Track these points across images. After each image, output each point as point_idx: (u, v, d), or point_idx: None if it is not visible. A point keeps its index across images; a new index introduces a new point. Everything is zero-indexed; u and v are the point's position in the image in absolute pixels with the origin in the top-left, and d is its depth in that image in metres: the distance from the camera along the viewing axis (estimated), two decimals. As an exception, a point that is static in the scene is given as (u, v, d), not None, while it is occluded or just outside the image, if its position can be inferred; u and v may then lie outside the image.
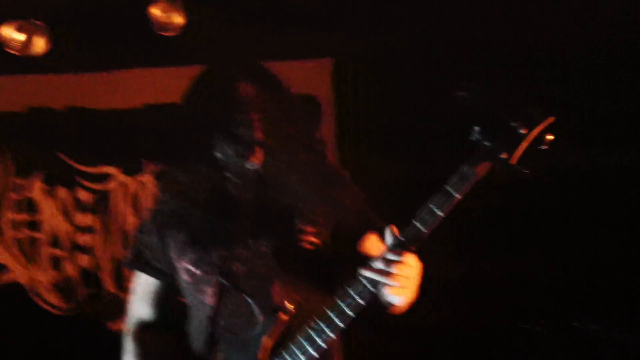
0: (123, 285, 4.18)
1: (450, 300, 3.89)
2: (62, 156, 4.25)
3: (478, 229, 3.89)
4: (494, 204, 3.76)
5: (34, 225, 4.23)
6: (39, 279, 4.18)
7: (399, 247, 1.64)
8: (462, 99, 1.58)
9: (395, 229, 1.67)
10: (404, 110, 4.17)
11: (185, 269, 1.91)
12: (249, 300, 1.78)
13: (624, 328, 3.79)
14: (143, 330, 1.98)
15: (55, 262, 4.21)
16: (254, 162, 1.80)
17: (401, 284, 1.64)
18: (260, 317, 1.76)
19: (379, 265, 1.65)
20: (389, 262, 1.63)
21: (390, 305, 1.75)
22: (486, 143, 1.57)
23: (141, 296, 2.01)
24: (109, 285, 4.19)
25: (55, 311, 4.14)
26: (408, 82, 4.12)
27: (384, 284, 1.65)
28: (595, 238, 4.02)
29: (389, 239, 1.66)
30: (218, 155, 1.84)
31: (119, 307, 4.15)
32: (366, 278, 1.67)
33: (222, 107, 1.82)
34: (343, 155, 3.99)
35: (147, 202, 4.27)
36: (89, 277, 4.19)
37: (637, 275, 3.87)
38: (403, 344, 3.94)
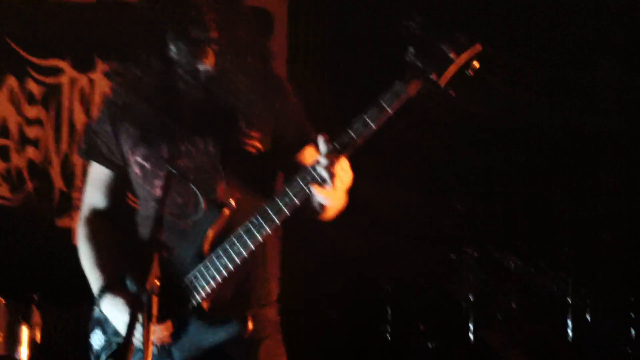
0: (71, 182, 4.26)
1: (383, 229, 4.16)
2: (13, 44, 4.21)
3: (413, 163, 4.13)
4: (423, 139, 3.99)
5: (-19, 114, 4.23)
6: (-14, 168, 4.22)
7: (333, 152, 1.79)
8: (408, 28, 1.72)
9: (327, 136, 1.81)
10: (355, 33, 4.28)
11: (137, 162, 2.03)
12: (194, 188, 1.93)
13: (543, 269, 4.16)
14: (95, 216, 2.12)
15: (4, 153, 4.24)
16: (205, 61, 1.91)
17: (334, 185, 1.79)
18: (203, 204, 1.92)
19: (316, 167, 1.79)
20: (324, 164, 1.78)
21: (321, 208, 1.92)
22: (418, 63, 1.73)
23: (94, 185, 2.13)
24: (57, 180, 4.27)
25: (2, 202, 4.20)
26: (360, 6, 4.21)
27: (318, 185, 1.80)
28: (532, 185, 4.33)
29: (322, 145, 1.81)
30: (171, 53, 1.94)
31: (66, 204, 4.25)
32: (303, 178, 1.83)
33: (179, 6, 1.90)
34: (292, 70, 4.09)
35: (96, 99, 4.30)
36: (38, 170, 4.25)
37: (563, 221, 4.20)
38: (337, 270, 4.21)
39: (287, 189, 1.85)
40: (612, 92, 4.37)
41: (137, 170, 2.04)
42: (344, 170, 1.80)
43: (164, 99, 1.98)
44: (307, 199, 1.85)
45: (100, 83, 4.31)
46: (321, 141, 1.80)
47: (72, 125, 4.30)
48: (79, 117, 4.30)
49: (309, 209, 1.92)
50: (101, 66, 4.30)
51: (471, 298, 4.04)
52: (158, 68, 1.97)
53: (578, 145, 4.35)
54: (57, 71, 4.28)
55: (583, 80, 4.24)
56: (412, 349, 4.13)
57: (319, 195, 1.83)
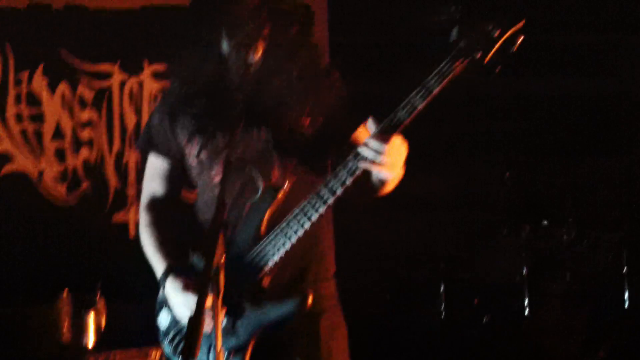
0: (125, 179, 4.41)
1: (434, 205, 4.19)
2: (66, 53, 4.37)
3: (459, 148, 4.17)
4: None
5: (37, 118, 4.39)
6: (45, 170, 4.39)
7: (385, 131, 1.87)
8: (448, 15, 1.79)
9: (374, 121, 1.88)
10: (394, 23, 4.33)
11: (193, 153, 2.13)
12: (253, 170, 2.02)
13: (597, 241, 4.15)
14: (154, 204, 2.22)
15: (60, 155, 4.41)
16: (255, 56, 2.00)
17: (383, 163, 1.86)
18: (262, 186, 2.01)
19: (370, 144, 1.87)
20: (378, 142, 1.86)
21: (380, 185, 1.99)
22: (463, 43, 1.79)
23: (153, 176, 2.23)
24: (112, 178, 4.42)
25: (60, 202, 4.36)
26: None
27: (369, 163, 1.87)
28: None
29: (372, 127, 1.89)
30: (224, 48, 2.04)
31: (121, 200, 4.40)
32: (358, 157, 1.90)
33: (233, 4, 2.00)
34: (333, 63, 4.15)
35: (145, 99, 4.45)
36: (93, 170, 4.41)
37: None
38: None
39: (339, 171, 1.93)
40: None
41: (193, 160, 2.13)
42: (394, 148, 1.87)
43: (218, 92, 2.07)
44: (358, 178, 1.92)
45: (148, 84, 4.45)
46: (370, 123, 1.87)
47: (123, 126, 4.45)
48: (130, 118, 4.45)
49: (366, 189, 2.00)
50: (149, 68, 4.44)
51: (524, 272, 4.04)
52: (212, 62, 2.06)
53: (627, 117, 4.31)
54: (106, 75, 4.43)
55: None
56: (466, 324, 4.17)
57: (378, 171, 1.89)
